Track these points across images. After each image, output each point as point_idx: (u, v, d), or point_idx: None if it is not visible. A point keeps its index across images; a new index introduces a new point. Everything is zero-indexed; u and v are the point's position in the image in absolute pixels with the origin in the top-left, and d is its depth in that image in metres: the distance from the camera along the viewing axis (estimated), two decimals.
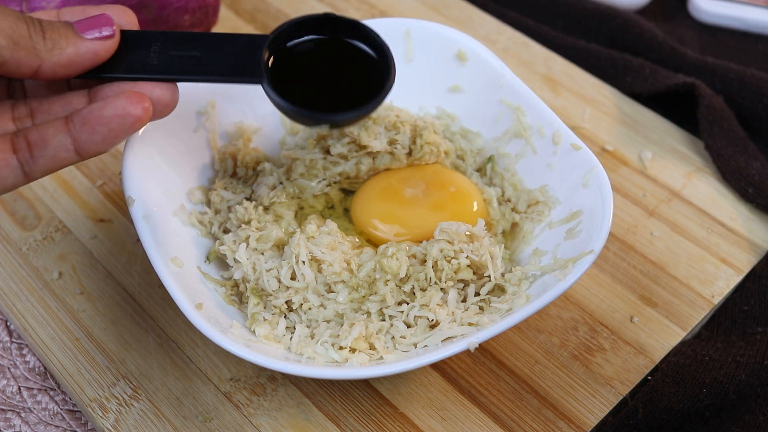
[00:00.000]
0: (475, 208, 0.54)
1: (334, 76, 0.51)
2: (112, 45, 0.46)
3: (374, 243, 0.54)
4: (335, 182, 0.56)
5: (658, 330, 0.55)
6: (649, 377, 0.53)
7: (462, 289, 0.51)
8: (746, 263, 0.59)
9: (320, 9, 0.77)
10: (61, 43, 0.44)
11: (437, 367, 0.53)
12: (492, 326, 0.46)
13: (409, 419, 0.51)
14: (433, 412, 0.51)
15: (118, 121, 0.44)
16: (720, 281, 0.58)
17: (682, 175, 0.64)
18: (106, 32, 0.45)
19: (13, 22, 0.42)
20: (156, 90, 0.46)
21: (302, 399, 0.52)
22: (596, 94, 0.70)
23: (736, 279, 0.58)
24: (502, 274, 0.51)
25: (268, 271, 0.50)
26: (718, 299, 0.57)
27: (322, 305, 0.50)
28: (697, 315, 0.56)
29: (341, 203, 0.56)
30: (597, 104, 0.69)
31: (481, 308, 0.50)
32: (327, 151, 0.58)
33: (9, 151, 0.44)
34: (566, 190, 0.54)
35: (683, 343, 0.55)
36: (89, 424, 0.53)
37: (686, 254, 0.59)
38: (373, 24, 0.60)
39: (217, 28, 0.74)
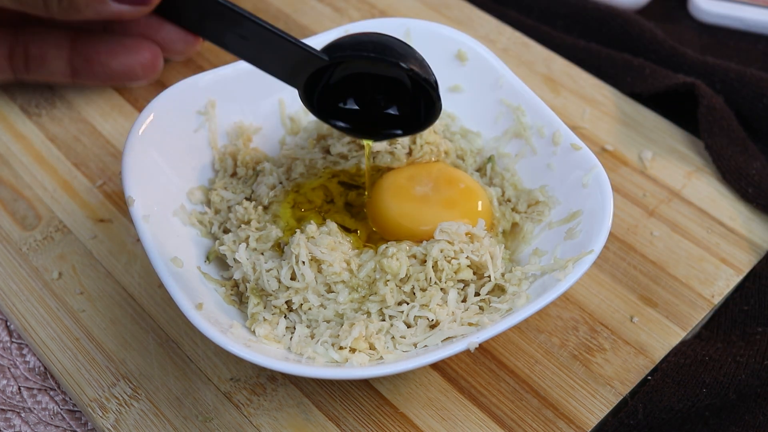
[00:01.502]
0: (480, 207, 0.54)
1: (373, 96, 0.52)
2: (142, 11, 0.40)
3: (387, 239, 0.53)
4: (334, 176, 0.56)
5: (658, 330, 0.55)
6: (649, 377, 0.53)
7: (462, 289, 0.51)
8: (746, 263, 0.59)
9: (320, 9, 0.77)
10: (79, 5, 0.39)
11: (437, 367, 0.53)
12: (492, 326, 0.46)
13: (409, 419, 0.51)
14: (433, 412, 0.51)
15: (120, 75, 0.42)
16: (720, 281, 0.58)
17: (682, 175, 0.64)
18: None
19: None
20: (179, 44, 0.43)
21: (302, 399, 0.52)
22: (596, 94, 0.70)
23: (736, 279, 0.58)
24: (502, 274, 0.51)
25: (268, 271, 0.50)
26: (718, 299, 0.57)
27: (322, 305, 0.50)
28: (697, 315, 0.56)
29: (341, 197, 0.56)
30: (597, 104, 0.69)
31: (481, 308, 0.50)
32: (327, 151, 0.58)
33: (5, 57, 0.42)
34: (566, 190, 0.54)
35: (683, 343, 0.55)
36: (89, 424, 0.53)
37: (686, 254, 0.59)
38: (373, 24, 0.60)
39: None
